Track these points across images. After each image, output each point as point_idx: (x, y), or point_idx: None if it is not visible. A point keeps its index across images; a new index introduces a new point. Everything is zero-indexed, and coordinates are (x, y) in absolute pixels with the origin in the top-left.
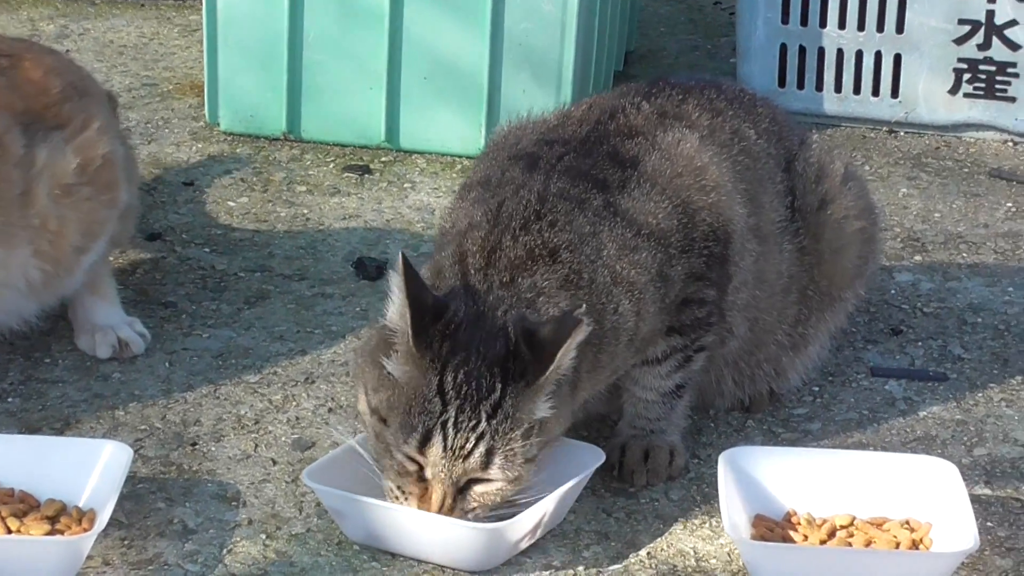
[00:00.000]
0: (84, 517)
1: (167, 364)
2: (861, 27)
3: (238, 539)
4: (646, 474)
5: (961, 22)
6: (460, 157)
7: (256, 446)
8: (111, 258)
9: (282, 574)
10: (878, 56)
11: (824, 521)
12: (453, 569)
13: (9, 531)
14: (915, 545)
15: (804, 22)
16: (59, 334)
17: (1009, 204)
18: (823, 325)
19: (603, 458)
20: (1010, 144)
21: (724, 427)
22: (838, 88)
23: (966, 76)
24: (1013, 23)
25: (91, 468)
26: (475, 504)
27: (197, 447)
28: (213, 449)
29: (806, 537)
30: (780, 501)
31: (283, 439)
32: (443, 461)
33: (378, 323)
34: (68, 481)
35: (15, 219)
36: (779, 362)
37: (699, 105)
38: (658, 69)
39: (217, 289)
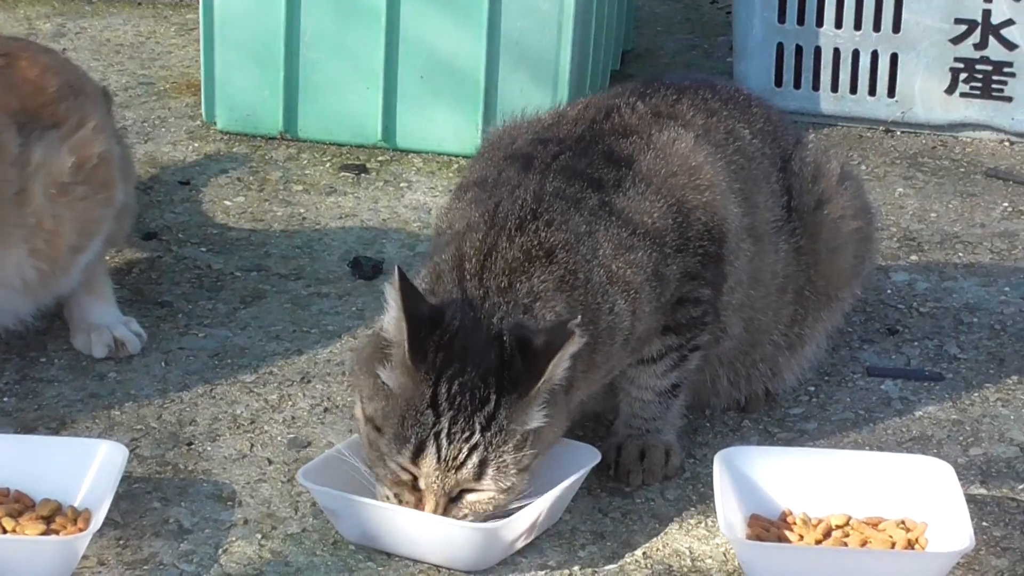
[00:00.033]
0: (79, 517)
1: (163, 363)
2: (858, 26)
3: (234, 539)
4: (642, 474)
5: (958, 21)
6: (457, 156)
7: (252, 446)
8: (107, 257)
9: (278, 574)
10: (875, 55)
11: (820, 521)
12: (449, 569)
13: (4, 531)
14: (911, 545)
15: (801, 21)
16: (55, 333)
17: (1005, 204)
18: (819, 325)
19: (599, 458)
20: (1007, 144)
21: (720, 427)
22: (835, 87)
23: (963, 75)
24: (1010, 23)
25: (86, 468)
26: (467, 512)
27: (193, 447)
28: (209, 449)
29: (802, 537)
30: (776, 501)
31: (279, 439)
32: (436, 472)
33: (375, 325)
34: (63, 481)
35: (11, 218)
36: (775, 362)
37: (693, 105)
38: (655, 68)
39: (213, 288)
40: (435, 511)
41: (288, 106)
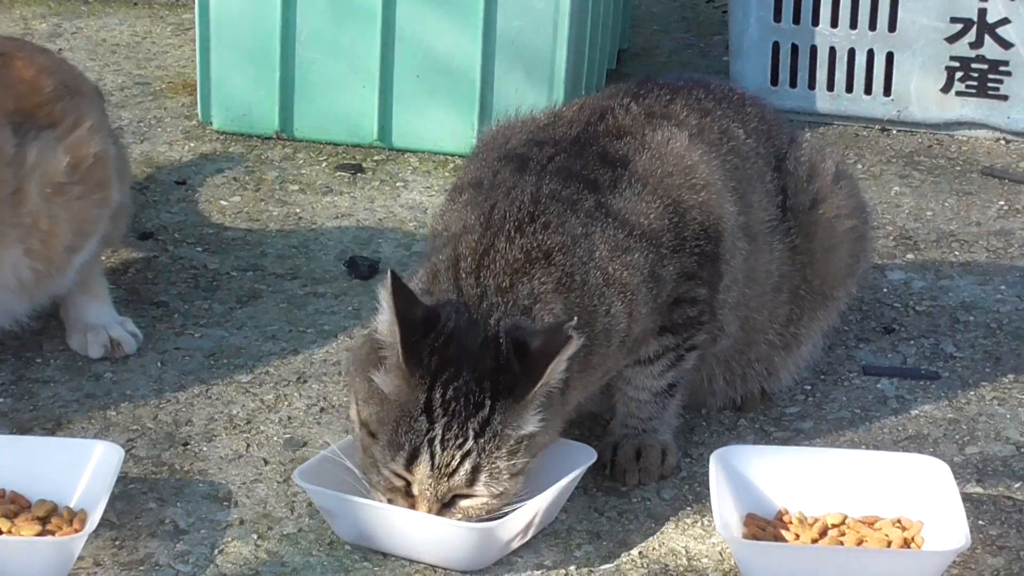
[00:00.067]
0: (75, 518)
1: (159, 364)
2: (854, 25)
3: (229, 539)
4: (638, 473)
5: (953, 20)
6: (453, 156)
7: (248, 446)
8: (103, 257)
9: (273, 574)
10: (870, 54)
11: (816, 520)
12: (445, 569)
13: (0, 532)
14: (907, 544)
15: (796, 20)
16: (50, 334)
17: (1001, 202)
18: (815, 324)
19: (595, 457)
20: (1002, 142)
21: (716, 426)
22: (831, 86)
23: (958, 74)
24: (1005, 21)
25: (82, 468)
26: (460, 516)
27: (189, 447)
28: (205, 449)
29: (798, 536)
30: (772, 500)
31: (275, 439)
32: (429, 480)
33: (371, 326)
34: (59, 481)
35: (6, 218)
36: (771, 361)
37: (687, 105)
38: (651, 67)
39: (209, 288)
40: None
41: (284, 106)
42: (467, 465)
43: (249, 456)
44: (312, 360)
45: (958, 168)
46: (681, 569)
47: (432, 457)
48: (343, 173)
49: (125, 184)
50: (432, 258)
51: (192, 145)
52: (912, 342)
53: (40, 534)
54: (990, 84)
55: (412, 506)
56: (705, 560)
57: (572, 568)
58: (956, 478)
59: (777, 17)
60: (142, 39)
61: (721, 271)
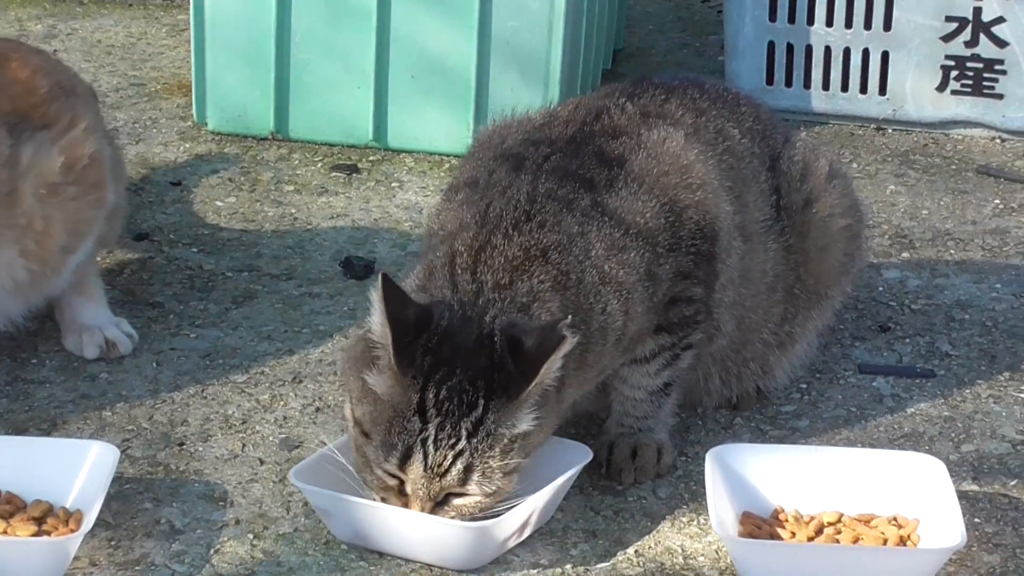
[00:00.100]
0: (71, 518)
1: (154, 364)
2: (849, 24)
3: (225, 539)
4: (634, 472)
5: (948, 19)
6: (448, 156)
7: (243, 446)
8: (98, 258)
9: (269, 574)
10: (866, 53)
11: (812, 518)
12: (441, 568)
13: None
14: (902, 541)
15: (792, 20)
16: (46, 334)
17: (997, 201)
18: (810, 323)
19: (591, 456)
20: (998, 141)
21: (712, 425)
22: (826, 86)
23: (954, 73)
24: (1000, 20)
25: (78, 469)
26: (453, 514)
27: (184, 447)
28: (200, 449)
29: (794, 534)
30: (768, 498)
31: (270, 439)
32: (422, 480)
33: (364, 325)
34: (55, 482)
35: (1, 218)
36: (766, 360)
37: (682, 104)
38: (646, 67)
39: (204, 289)
40: None
41: (279, 106)
42: (459, 465)
43: (245, 456)
44: (307, 360)
45: (953, 167)
46: (677, 567)
47: (425, 457)
48: (338, 173)
49: (120, 185)
50: (428, 256)
51: (187, 146)
52: (908, 340)
53: (36, 534)
54: (985, 83)
55: (406, 505)
56: (701, 559)
57: (568, 567)
58: (952, 476)
59: (772, 16)
60: (137, 40)
61: (717, 270)
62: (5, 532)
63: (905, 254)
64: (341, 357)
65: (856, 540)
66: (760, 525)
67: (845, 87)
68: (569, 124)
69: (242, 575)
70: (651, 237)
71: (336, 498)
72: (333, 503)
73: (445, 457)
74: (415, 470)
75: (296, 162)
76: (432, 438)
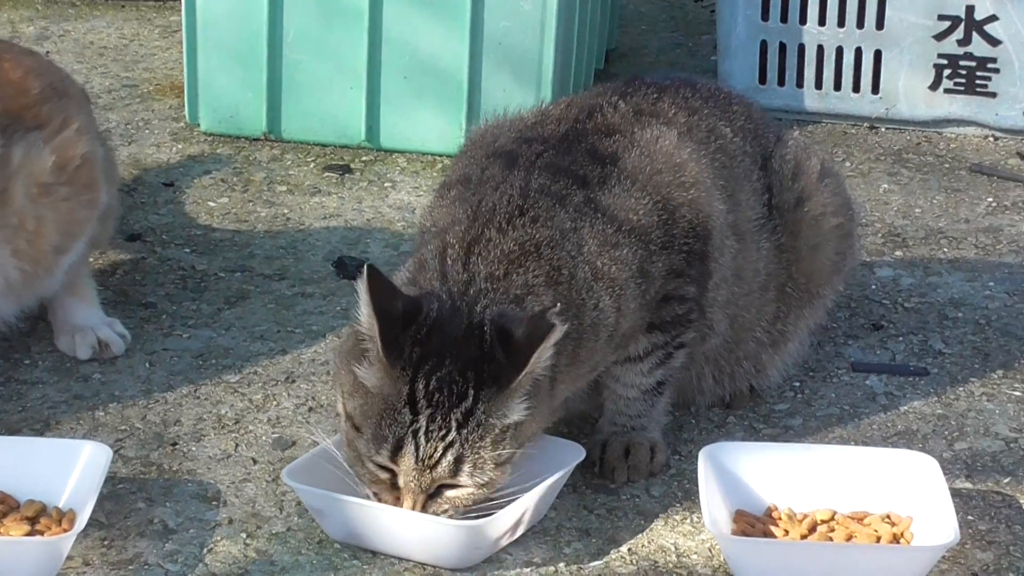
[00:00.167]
0: (64, 518)
1: (147, 364)
2: (841, 23)
3: (218, 538)
4: (627, 470)
5: (941, 18)
6: (441, 156)
7: (236, 446)
8: (91, 259)
9: (263, 573)
10: (858, 52)
11: (805, 516)
12: (434, 567)
13: None
14: (896, 539)
15: (784, 19)
16: (39, 335)
17: (990, 199)
18: (802, 322)
19: (584, 455)
20: (991, 139)
21: (705, 423)
22: (819, 85)
23: (946, 72)
24: (993, 18)
25: (71, 469)
26: (447, 507)
27: (177, 447)
28: (193, 449)
29: (787, 532)
30: (761, 496)
31: (263, 438)
32: (414, 471)
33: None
34: (48, 482)
35: None
36: (759, 359)
37: (675, 103)
38: (639, 67)
39: (197, 289)
40: (413, 508)
41: (271, 107)
42: (449, 456)
43: (238, 456)
44: (300, 360)
45: (946, 165)
46: (670, 566)
47: (416, 448)
48: (331, 174)
49: (113, 186)
50: (419, 251)
51: (180, 147)
52: (901, 339)
53: (29, 534)
54: (978, 81)
55: (398, 499)
56: (694, 557)
57: (561, 565)
58: (945, 474)
59: (765, 16)
60: (129, 41)
61: (710, 269)
62: None
63: (898, 252)
64: (333, 355)
65: (849, 538)
66: (753, 523)
67: (838, 86)
68: (562, 122)
69: (235, 574)
70: (644, 234)
71: (329, 497)
72: (326, 502)
73: (436, 448)
74: (407, 462)
75: (289, 162)
76: (423, 429)
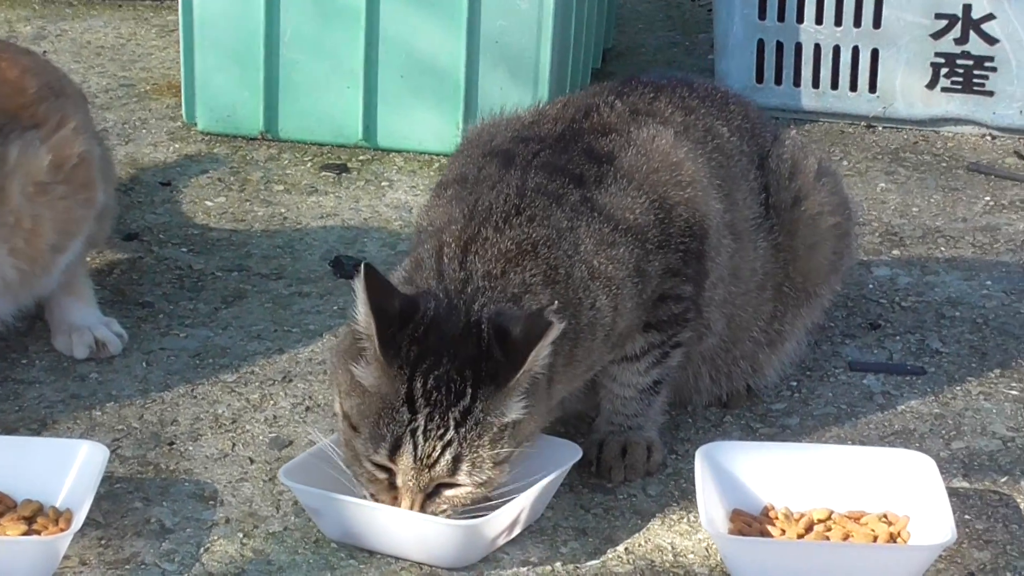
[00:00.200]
0: (61, 517)
1: (144, 364)
2: (838, 22)
3: (215, 538)
4: (624, 470)
5: (938, 16)
6: (437, 155)
7: (233, 445)
8: (88, 258)
9: (260, 573)
10: (855, 51)
11: (802, 515)
12: (431, 566)
13: None
14: (893, 538)
15: (781, 18)
16: (36, 335)
17: (987, 198)
18: (799, 321)
19: (580, 454)
20: (988, 138)
21: (702, 422)
22: (816, 83)
23: (944, 70)
24: (990, 17)
25: (68, 468)
26: (445, 507)
27: (174, 446)
28: (190, 448)
29: (784, 531)
30: (758, 496)
31: (260, 438)
32: (412, 471)
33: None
34: (45, 481)
35: None
36: (756, 358)
37: (671, 103)
38: (636, 66)
39: (194, 289)
40: (412, 507)
41: (268, 106)
42: (448, 455)
43: (235, 455)
44: (297, 359)
45: (944, 164)
46: (667, 565)
47: (415, 448)
48: (328, 173)
49: (110, 185)
50: (416, 250)
51: (177, 146)
52: (898, 338)
53: (26, 534)
54: (975, 80)
55: (395, 499)
56: (691, 556)
57: (558, 565)
58: (942, 473)
59: (762, 15)
60: (126, 41)
61: (707, 268)
62: None
63: (895, 251)
64: (330, 355)
65: (846, 537)
66: (750, 522)
67: (835, 85)
68: (558, 122)
69: (232, 574)
70: (640, 233)
71: (326, 497)
72: (323, 502)
73: (434, 448)
74: (405, 461)
75: (286, 162)
76: (421, 428)
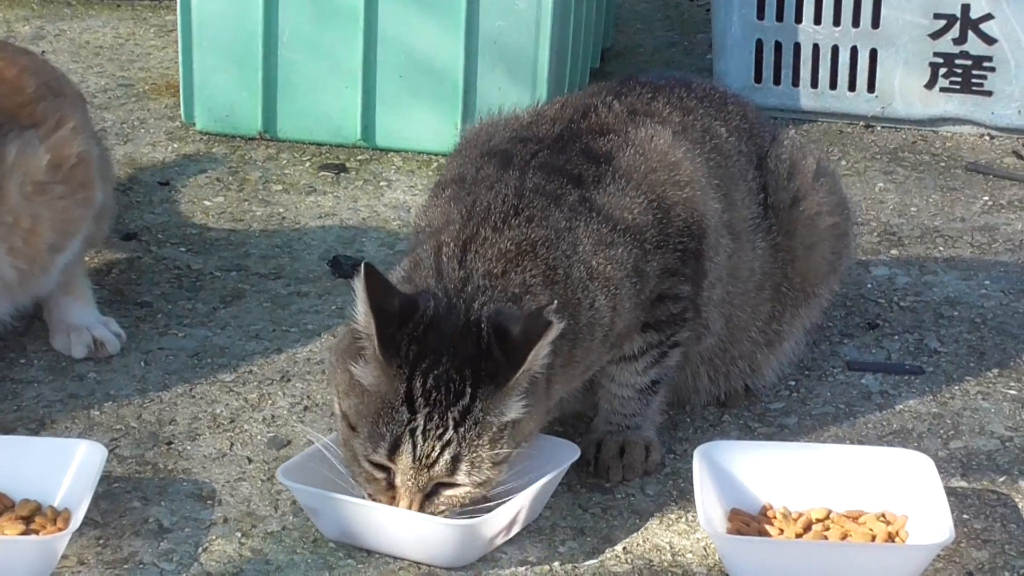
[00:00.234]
0: (59, 517)
1: (142, 364)
2: (837, 22)
3: (213, 537)
4: (622, 469)
5: (937, 16)
6: (436, 155)
7: (231, 445)
8: (86, 258)
9: (258, 572)
10: (854, 51)
11: (800, 515)
12: (429, 566)
13: None
14: (891, 538)
15: (780, 18)
16: (34, 334)
17: (986, 198)
18: (797, 321)
19: (578, 454)
20: (986, 138)
21: (700, 422)
22: (814, 83)
23: (942, 70)
24: (988, 17)
25: (66, 468)
26: (443, 507)
27: (172, 446)
28: (188, 448)
29: (782, 531)
30: (756, 495)
31: (258, 437)
32: (411, 471)
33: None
34: (43, 481)
35: None
36: (754, 358)
37: (669, 103)
38: (635, 66)
39: (193, 288)
40: (410, 507)
41: (267, 106)
42: (447, 455)
43: (233, 455)
44: (296, 359)
45: (942, 164)
46: (665, 565)
47: (414, 447)
48: (326, 173)
49: (108, 185)
50: (415, 250)
51: (175, 146)
52: (896, 337)
53: (24, 533)
54: (974, 80)
55: (393, 499)
56: (689, 556)
57: (556, 564)
58: (940, 472)
59: (760, 15)
60: (125, 41)
61: (705, 268)
62: None
63: (894, 251)
64: (329, 355)
65: (844, 537)
66: (748, 522)
67: (834, 85)
68: (556, 122)
69: (230, 573)
70: (639, 233)
71: (324, 496)
72: (321, 501)
73: (434, 447)
74: (404, 460)
75: (284, 162)
76: (421, 428)
